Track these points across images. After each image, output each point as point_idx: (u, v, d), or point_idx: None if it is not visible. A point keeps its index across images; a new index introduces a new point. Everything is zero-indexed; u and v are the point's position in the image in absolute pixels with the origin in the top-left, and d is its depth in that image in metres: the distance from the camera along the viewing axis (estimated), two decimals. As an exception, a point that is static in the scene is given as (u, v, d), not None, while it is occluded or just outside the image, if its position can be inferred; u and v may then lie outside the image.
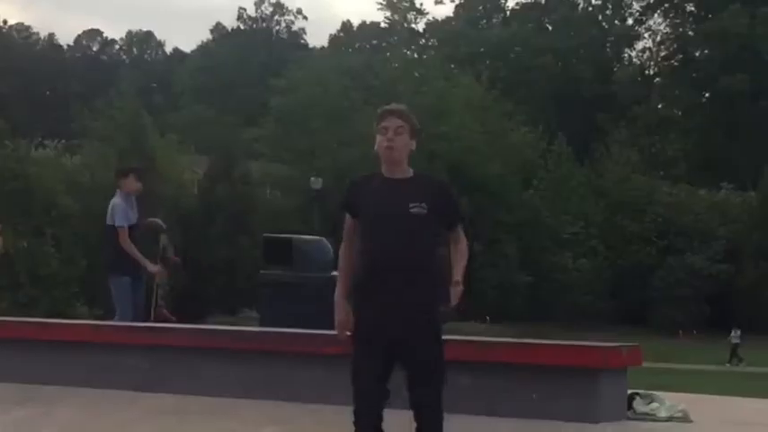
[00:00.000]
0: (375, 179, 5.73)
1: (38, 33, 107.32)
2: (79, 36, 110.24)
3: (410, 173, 5.73)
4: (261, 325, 11.25)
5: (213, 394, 7.26)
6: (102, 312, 37.93)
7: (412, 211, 5.53)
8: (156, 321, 11.84)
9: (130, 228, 10.75)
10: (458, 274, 5.75)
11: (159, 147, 52.55)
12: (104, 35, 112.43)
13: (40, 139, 50.72)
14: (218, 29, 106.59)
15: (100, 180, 48.09)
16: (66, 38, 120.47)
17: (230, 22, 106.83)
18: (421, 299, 5.49)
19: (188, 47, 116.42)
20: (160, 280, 11.40)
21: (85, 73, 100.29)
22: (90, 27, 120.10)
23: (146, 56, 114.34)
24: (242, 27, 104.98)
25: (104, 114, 57.55)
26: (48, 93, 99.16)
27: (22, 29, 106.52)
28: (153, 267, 11.04)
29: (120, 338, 7.78)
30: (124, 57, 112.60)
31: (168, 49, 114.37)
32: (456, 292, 5.68)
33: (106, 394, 7.50)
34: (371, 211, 5.61)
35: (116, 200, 10.82)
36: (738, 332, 46.77)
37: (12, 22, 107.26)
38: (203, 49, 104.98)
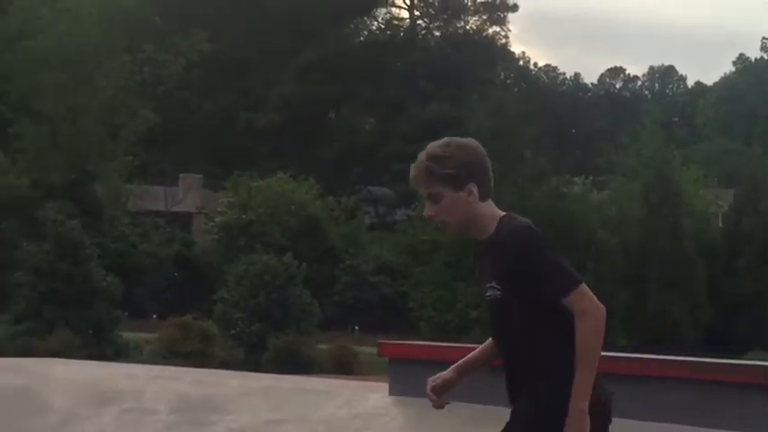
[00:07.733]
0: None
1: (564, 74, 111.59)
2: (602, 74, 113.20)
3: (490, 229, 3.87)
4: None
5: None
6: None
7: (488, 295, 3.86)
8: None
9: None
10: (576, 391, 3.61)
11: (683, 180, 53.20)
12: (627, 72, 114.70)
13: (568, 176, 53.03)
14: (741, 60, 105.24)
15: (627, 214, 49.57)
16: (590, 77, 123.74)
17: (754, 53, 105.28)
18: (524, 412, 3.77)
19: (710, 79, 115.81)
20: None
21: (609, 110, 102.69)
22: (613, 65, 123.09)
23: (667, 90, 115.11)
24: (765, 57, 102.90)
25: (629, 149, 59.17)
26: (573, 131, 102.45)
27: (550, 69, 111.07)
28: None
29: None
30: (646, 92, 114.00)
31: (690, 83, 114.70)
32: (572, 423, 3.58)
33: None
34: None
35: None
36: None
37: (541, 64, 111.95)
38: (725, 80, 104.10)
